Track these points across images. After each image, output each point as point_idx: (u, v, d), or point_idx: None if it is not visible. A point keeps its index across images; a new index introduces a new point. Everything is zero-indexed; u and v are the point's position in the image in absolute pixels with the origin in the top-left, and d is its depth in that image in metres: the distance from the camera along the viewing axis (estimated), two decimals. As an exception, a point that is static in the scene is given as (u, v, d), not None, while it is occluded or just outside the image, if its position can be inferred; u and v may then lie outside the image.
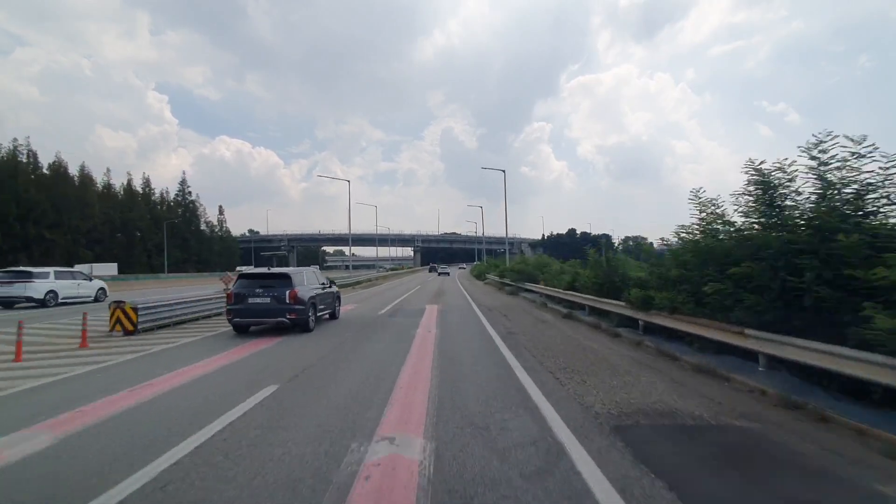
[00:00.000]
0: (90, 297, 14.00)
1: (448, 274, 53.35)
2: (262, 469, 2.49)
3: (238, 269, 15.41)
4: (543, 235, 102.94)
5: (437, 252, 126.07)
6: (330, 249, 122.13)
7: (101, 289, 14.77)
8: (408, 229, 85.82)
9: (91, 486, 2.30)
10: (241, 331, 8.12)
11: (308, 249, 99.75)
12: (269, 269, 9.98)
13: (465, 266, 79.42)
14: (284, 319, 7.90)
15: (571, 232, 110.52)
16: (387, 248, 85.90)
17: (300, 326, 8.00)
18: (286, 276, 8.17)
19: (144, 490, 2.23)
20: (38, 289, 12.94)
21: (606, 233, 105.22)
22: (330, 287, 9.97)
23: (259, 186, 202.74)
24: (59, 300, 13.45)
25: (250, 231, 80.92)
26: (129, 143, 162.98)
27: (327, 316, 9.47)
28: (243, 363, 5.67)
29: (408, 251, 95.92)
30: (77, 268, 18.48)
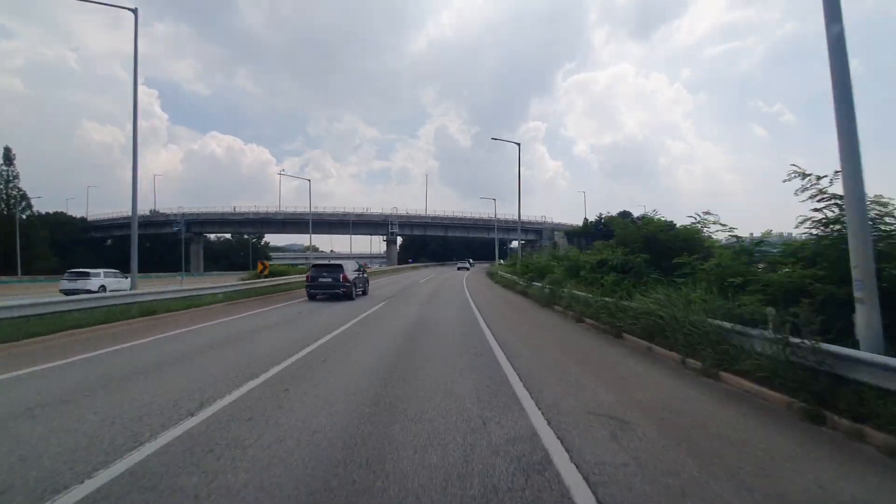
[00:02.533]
0: (127, 289, 16.61)
1: (469, 268, 56.99)
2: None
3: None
4: (586, 220, 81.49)
5: (426, 244, 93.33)
6: (279, 241, 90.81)
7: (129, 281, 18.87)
8: (380, 209, 68.13)
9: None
10: (312, 299, 15.57)
11: (241, 241, 69.54)
12: (329, 260, 19.29)
13: (468, 264, 65.29)
14: (339, 292, 15.40)
15: (624, 215, 73.85)
16: (350, 238, 55.08)
17: (347, 297, 15.50)
18: (339, 266, 16.14)
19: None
20: (93, 283, 19.81)
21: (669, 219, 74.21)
22: (363, 274, 18.32)
23: (251, 183, 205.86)
24: (108, 292, 18.48)
25: (152, 212, 64.76)
26: (117, 137, 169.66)
27: (360, 292, 17.19)
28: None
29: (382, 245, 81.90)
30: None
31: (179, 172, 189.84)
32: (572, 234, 73.73)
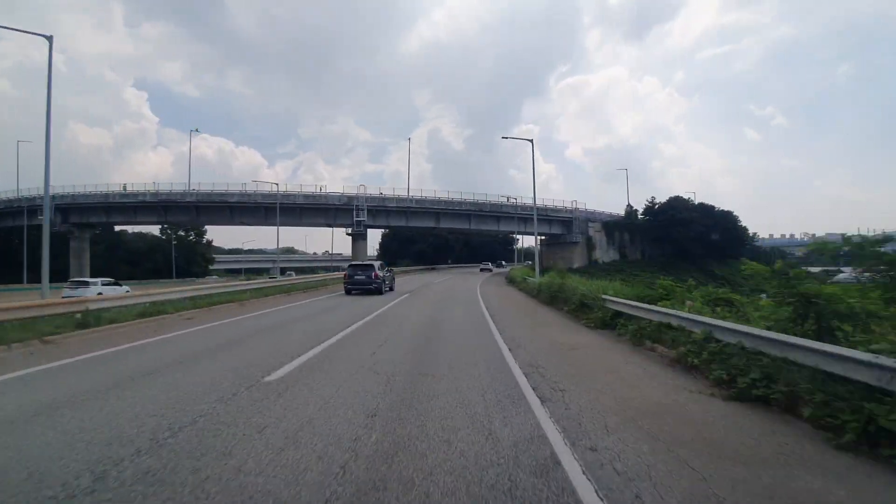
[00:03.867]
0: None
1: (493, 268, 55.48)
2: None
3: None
4: (631, 209, 65.04)
5: (411, 241, 74.51)
6: (239, 237, 74.71)
7: (127, 290, 22.06)
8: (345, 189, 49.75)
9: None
10: (348, 293, 20.13)
11: (180, 237, 52.37)
12: (362, 261, 27.40)
13: (488, 268, 55.45)
14: (371, 287, 19.95)
15: (676, 201, 63.92)
16: (332, 232, 37.08)
17: (377, 292, 19.91)
18: (371, 265, 21.24)
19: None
20: (93, 291, 20.98)
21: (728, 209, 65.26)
22: (389, 272, 23.38)
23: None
24: None
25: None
26: (105, 139, 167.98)
27: (388, 288, 21.68)
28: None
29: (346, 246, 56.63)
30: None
31: (170, 175, 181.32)
32: (613, 226, 55.30)
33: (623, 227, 59.72)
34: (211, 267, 76.51)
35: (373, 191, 46.55)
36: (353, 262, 24.61)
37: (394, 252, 72.59)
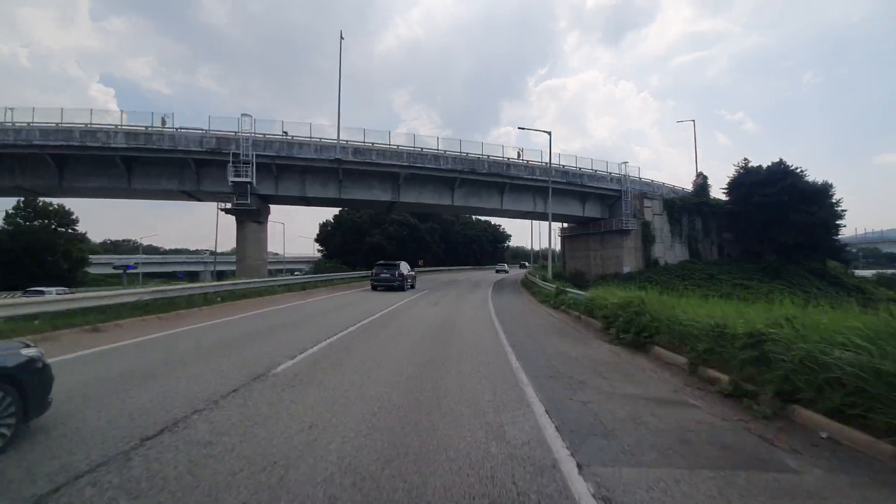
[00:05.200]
0: None
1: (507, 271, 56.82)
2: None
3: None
4: (702, 180, 43.11)
5: (358, 231, 49.04)
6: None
7: None
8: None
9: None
10: (374, 289, 24.14)
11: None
12: (386, 261, 26.42)
13: (505, 268, 57.15)
14: (394, 284, 23.75)
15: (778, 165, 40.68)
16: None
17: (400, 288, 23.74)
18: (396, 265, 24.68)
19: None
20: None
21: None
22: (412, 271, 27.79)
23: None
24: None
25: None
26: None
27: (410, 286, 25.79)
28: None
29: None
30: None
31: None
32: (680, 207, 36.26)
33: (693, 210, 40.36)
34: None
35: (267, 127, 27.28)
36: (380, 262, 26.35)
37: (336, 248, 52.59)
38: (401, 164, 28.54)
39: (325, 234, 56.52)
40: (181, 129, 26.05)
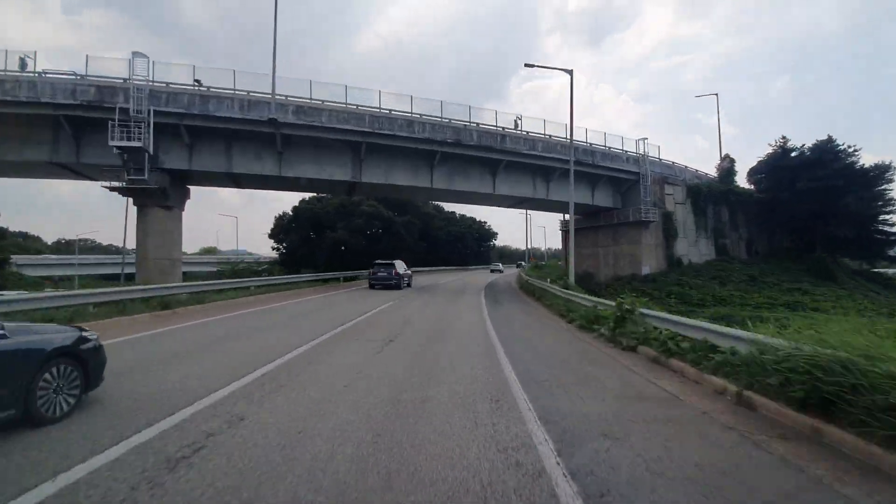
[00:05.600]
0: None
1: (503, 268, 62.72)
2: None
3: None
4: (729, 163, 36.73)
5: (320, 225, 40.08)
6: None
7: None
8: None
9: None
10: (372, 287, 25.70)
11: None
12: (383, 261, 26.96)
13: (500, 267, 58.90)
14: (391, 283, 25.52)
15: (828, 142, 34.08)
16: None
17: (397, 287, 25.41)
18: (392, 264, 26.08)
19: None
20: None
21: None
22: (408, 271, 29.25)
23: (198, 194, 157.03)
24: None
25: None
26: None
27: (406, 284, 27.78)
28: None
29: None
30: None
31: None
32: (706, 194, 30.63)
33: (720, 199, 34.01)
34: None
35: (173, 74, 19.49)
36: (377, 261, 26.75)
37: (295, 246, 41.90)
38: (362, 130, 21.22)
39: (281, 229, 45.15)
40: (46, 73, 18.33)
